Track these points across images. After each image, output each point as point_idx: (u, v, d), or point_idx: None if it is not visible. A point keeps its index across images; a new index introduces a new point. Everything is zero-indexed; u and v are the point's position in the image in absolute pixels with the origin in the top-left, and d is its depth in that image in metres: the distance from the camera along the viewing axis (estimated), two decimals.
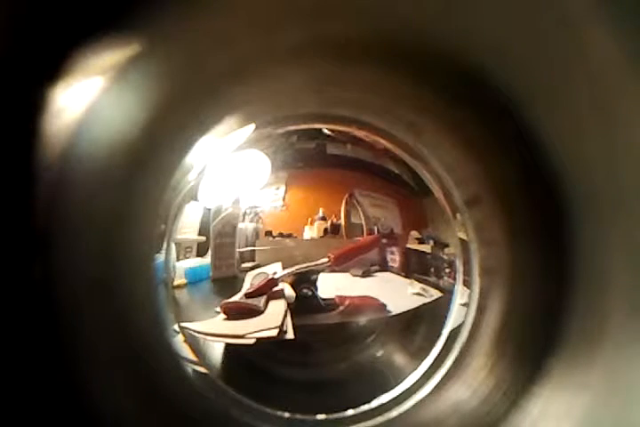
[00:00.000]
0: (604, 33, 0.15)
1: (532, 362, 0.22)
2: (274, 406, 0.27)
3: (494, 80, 0.20)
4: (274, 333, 0.30)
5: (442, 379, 0.27)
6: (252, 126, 0.28)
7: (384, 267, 0.33)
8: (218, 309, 0.31)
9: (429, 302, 0.31)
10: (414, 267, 0.32)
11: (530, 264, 0.23)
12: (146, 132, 0.19)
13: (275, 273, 0.32)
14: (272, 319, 0.31)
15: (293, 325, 0.30)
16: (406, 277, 0.32)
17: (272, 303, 0.32)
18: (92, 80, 0.17)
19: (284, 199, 0.33)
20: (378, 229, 0.33)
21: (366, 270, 0.33)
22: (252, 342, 0.30)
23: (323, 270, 0.32)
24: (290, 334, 0.30)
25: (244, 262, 0.33)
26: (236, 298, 0.32)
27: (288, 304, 0.32)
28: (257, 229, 0.33)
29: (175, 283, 0.30)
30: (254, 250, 0.33)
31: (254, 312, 0.31)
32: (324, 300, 0.32)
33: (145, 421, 0.20)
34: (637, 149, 0.16)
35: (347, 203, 0.33)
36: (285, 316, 0.31)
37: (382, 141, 0.29)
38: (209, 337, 0.30)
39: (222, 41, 0.19)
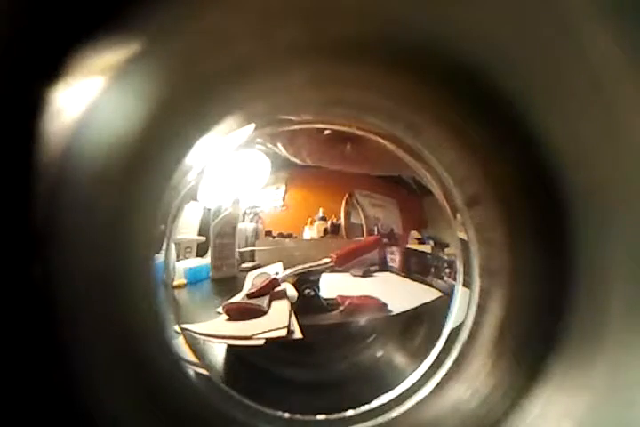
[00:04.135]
0: (604, 33, 0.15)
1: (532, 362, 0.22)
2: (274, 407, 0.27)
3: (494, 80, 0.20)
4: (282, 333, 0.30)
5: (442, 379, 0.27)
6: (252, 126, 0.28)
7: (384, 267, 0.33)
8: (219, 309, 0.31)
9: (429, 302, 0.31)
10: (414, 267, 0.32)
11: (530, 264, 0.23)
12: (146, 132, 0.19)
13: (277, 273, 0.32)
14: (278, 319, 0.31)
15: (299, 324, 0.30)
16: (406, 277, 0.32)
17: (275, 303, 0.32)
18: (91, 80, 0.17)
19: (283, 199, 0.33)
20: (378, 230, 0.33)
21: (366, 270, 0.33)
22: (261, 342, 0.30)
23: (325, 271, 0.32)
24: (298, 334, 0.30)
25: (244, 262, 0.33)
26: (237, 298, 0.32)
27: (291, 304, 0.32)
28: (257, 229, 0.33)
29: (175, 283, 0.30)
30: (254, 250, 0.33)
31: (258, 313, 0.31)
32: (325, 300, 0.32)
33: (144, 422, 0.20)
34: (637, 149, 0.16)
35: (347, 203, 0.33)
36: (291, 316, 0.31)
37: (382, 141, 0.29)
38: (213, 339, 0.30)
39: (222, 41, 0.19)
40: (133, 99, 0.18)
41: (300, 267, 0.32)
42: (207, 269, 0.32)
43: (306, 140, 0.31)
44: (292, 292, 0.32)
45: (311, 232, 0.33)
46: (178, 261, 0.30)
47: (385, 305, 0.32)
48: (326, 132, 0.30)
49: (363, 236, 0.33)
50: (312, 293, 0.32)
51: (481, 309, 0.26)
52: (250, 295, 0.32)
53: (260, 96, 0.24)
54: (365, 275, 0.33)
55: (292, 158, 0.32)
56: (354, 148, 0.31)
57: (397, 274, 0.33)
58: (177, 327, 0.28)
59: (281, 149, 0.31)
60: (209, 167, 0.29)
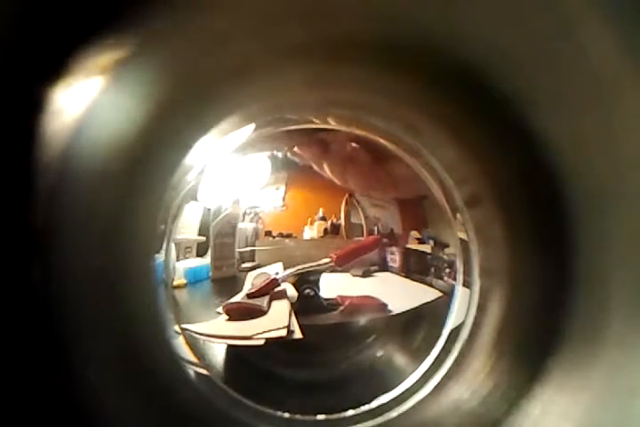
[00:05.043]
0: (604, 32, 0.15)
1: (532, 362, 0.22)
2: (274, 407, 0.27)
3: (494, 80, 0.20)
4: (282, 333, 0.30)
5: (442, 379, 0.27)
6: (252, 126, 0.28)
7: (384, 267, 0.33)
8: (219, 309, 0.31)
9: (429, 302, 0.31)
10: (414, 267, 0.32)
11: (530, 264, 0.23)
12: (145, 132, 0.19)
13: (277, 273, 0.32)
14: (278, 319, 0.31)
15: (299, 324, 0.30)
16: (406, 277, 0.32)
17: (275, 303, 0.32)
18: (91, 80, 0.17)
19: (283, 199, 0.33)
20: (378, 230, 0.33)
21: (366, 270, 0.33)
22: (261, 342, 0.30)
23: (325, 271, 0.32)
24: (297, 334, 0.30)
25: (244, 262, 0.33)
26: (237, 298, 0.32)
27: (291, 304, 0.32)
28: (257, 229, 0.33)
29: (175, 283, 0.30)
30: (254, 250, 0.33)
31: (258, 313, 0.31)
32: (325, 300, 0.32)
33: (144, 422, 0.20)
34: (638, 149, 0.16)
35: (347, 203, 0.33)
36: (291, 316, 0.31)
37: (382, 141, 0.29)
38: (213, 339, 0.30)
39: (222, 41, 0.19)
40: (133, 99, 0.18)
41: (299, 267, 0.32)
42: (207, 269, 0.32)
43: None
44: (292, 292, 0.32)
45: (311, 232, 0.33)
46: (178, 261, 0.30)
47: (385, 305, 0.32)
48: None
49: (363, 236, 0.33)
50: (312, 293, 0.32)
51: (481, 309, 0.26)
52: (250, 295, 0.32)
53: (260, 96, 0.24)
54: (365, 275, 0.33)
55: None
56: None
57: (397, 274, 0.33)
58: (177, 327, 0.28)
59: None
60: (209, 167, 0.29)
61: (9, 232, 0.15)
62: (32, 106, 0.15)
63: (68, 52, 0.15)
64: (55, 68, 0.15)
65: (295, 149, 0.31)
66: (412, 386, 0.27)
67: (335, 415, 0.27)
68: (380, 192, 0.32)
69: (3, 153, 0.14)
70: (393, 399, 0.27)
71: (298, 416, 0.27)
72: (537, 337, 0.22)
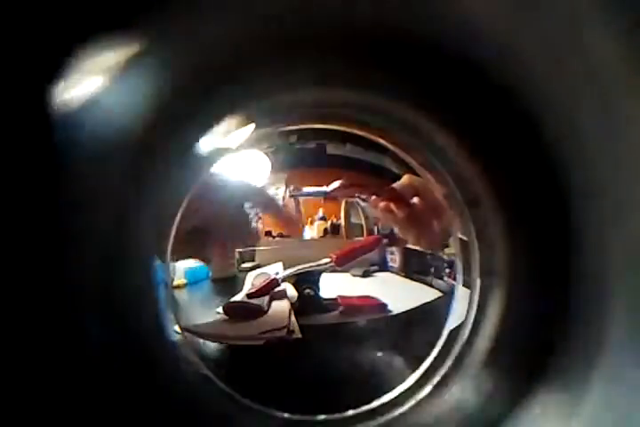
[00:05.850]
0: (605, 32, 0.15)
1: (533, 362, 0.22)
2: (274, 407, 0.27)
3: (494, 80, 0.20)
4: (282, 333, 0.30)
5: (442, 379, 0.27)
6: (252, 126, 0.28)
7: (384, 267, 0.33)
8: (219, 309, 0.31)
9: (429, 302, 0.31)
10: (414, 267, 0.32)
11: (530, 265, 0.23)
12: (145, 133, 0.19)
13: (277, 273, 0.32)
14: (278, 319, 0.31)
15: (299, 324, 0.30)
16: (406, 277, 0.32)
17: (275, 303, 0.32)
18: (92, 80, 0.17)
19: (284, 199, 0.33)
20: (378, 230, 0.33)
21: (366, 270, 0.33)
22: (261, 342, 0.30)
23: (325, 271, 0.32)
24: (298, 334, 0.30)
25: (244, 262, 0.33)
26: (237, 298, 0.32)
27: (291, 304, 0.32)
28: (257, 229, 0.33)
29: (175, 283, 0.30)
30: (254, 250, 0.33)
31: (258, 313, 0.31)
32: (325, 300, 0.32)
33: (144, 422, 0.20)
34: (639, 149, 0.16)
35: (347, 203, 0.33)
36: (291, 316, 0.31)
37: (382, 141, 0.29)
38: (214, 339, 0.30)
39: (222, 41, 0.19)
40: (133, 99, 0.18)
41: (299, 267, 0.32)
42: (207, 270, 0.32)
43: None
44: (291, 292, 0.32)
45: (311, 232, 0.33)
46: (178, 261, 0.30)
47: (385, 305, 0.32)
48: None
49: (363, 236, 0.33)
50: (312, 293, 0.32)
51: (481, 309, 0.26)
52: (250, 295, 0.32)
53: (260, 96, 0.24)
54: (365, 275, 0.33)
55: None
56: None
57: (397, 274, 0.33)
58: (177, 327, 0.28)
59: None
60: (209, 167, 0.29)
61: (10, 234, 0.15)
62: (32, 106, 0.15)
63: (69, 52, 0.15)
64: (56, 68, 0.15)
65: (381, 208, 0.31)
66: (412, 386, 0.27)
67: (335, 415, 0.27)
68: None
69: (3, 154, 0.14)
70: (393, 399, 0.27)
71: (298, 416, 0.27)
72: (537, 337, 0.22)
